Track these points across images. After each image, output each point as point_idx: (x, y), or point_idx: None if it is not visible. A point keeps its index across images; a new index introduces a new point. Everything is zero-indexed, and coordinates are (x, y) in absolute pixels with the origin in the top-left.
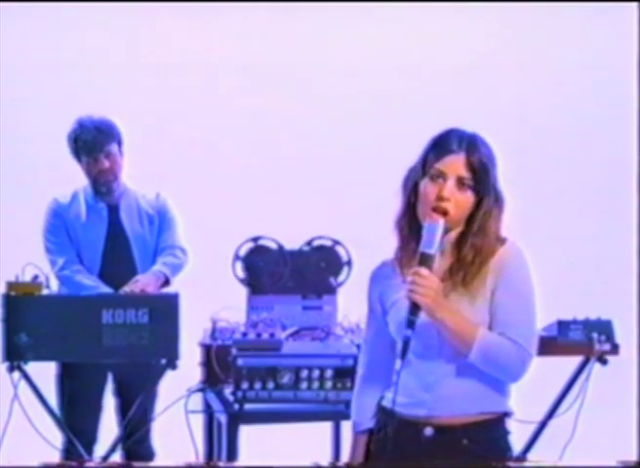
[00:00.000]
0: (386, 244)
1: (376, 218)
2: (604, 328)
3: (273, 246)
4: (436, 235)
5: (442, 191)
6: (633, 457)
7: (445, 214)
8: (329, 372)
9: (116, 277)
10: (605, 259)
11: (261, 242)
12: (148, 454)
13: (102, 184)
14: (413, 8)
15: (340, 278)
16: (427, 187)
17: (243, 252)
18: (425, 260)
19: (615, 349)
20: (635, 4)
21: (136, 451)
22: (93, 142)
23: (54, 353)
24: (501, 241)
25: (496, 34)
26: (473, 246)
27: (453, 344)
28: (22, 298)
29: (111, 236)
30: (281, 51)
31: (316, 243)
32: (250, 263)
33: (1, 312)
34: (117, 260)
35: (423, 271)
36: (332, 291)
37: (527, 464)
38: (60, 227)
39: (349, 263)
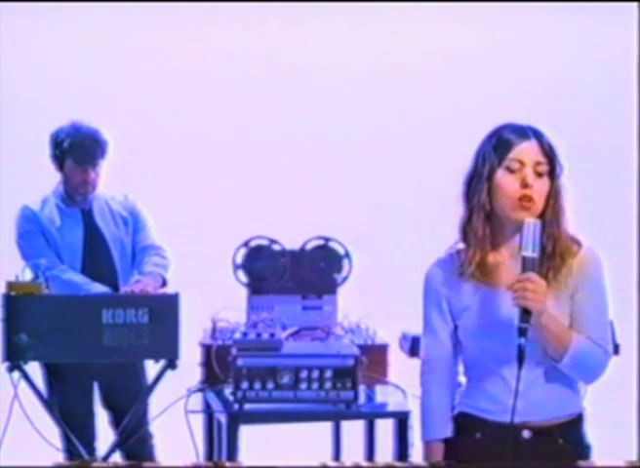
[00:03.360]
0: (388, 244)
1: (376, 218)
2: None
3: (273, 246)
4: (536, 235)
5: (526, 179)
6: (633, 457)
7: (531, 200)
8: (329, 372)
9: (97, 279)
10: (604, 260)
11: (261, 242)
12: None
13: (81, 193)
14: (417, 8)
15: (341, 278)
16: (506, 179)
17: (243, 252)
18: (530, 264)
19: (615, 349)
20: (635, 4)
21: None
22: (87, 153)
23: (54, 353)
24: (578, 243)
25: (496, 34)
26: (551, 236)
27: (543, 347)
28: (22, 298)
29: (89, 239)
30: (282, 50)
31: (316, 243)
32: (250, 263)
33: (1, 312)
34: (97, 262)
35: (534, 276)
36: (332, 291)
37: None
38: (35, 232)
39: (349, 263)
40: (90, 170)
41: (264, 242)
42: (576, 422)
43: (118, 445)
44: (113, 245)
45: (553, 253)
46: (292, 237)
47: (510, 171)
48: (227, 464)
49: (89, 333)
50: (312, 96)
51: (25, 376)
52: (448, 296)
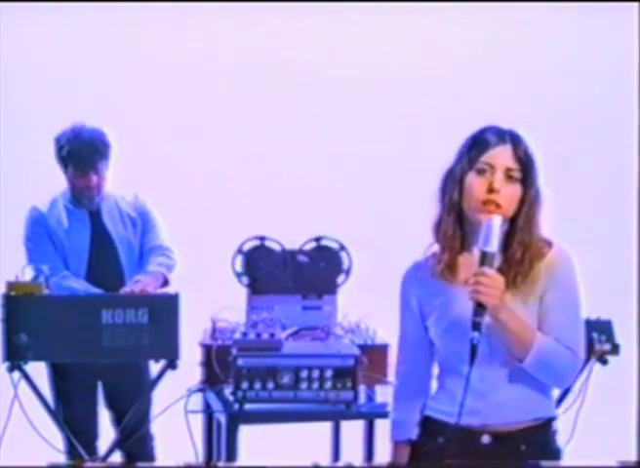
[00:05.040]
0: (387, 244)
1: (376, 218)
2: (604, 328)
3: (273, 246)
4: (495, 232)
5: (493, 183)
6: (633, 457)
7: (497, 206)
8: (329, 372)
9: (103, 280)
10: (605, 259)
11: (261, 242)
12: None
13: (86, 197)
14: (416, 8)
15: (341, 278)
16: (475, 182)
17: (243, 252)
18: (487, 259)
19: (615, 349)
20: (635, 4)
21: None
22: (86, 158)
23: (54, 353)
24: (549, 244)
25: (495, 34)
26: (521, 242)
27: (508, 347)
28: (22, 298)
29: (96, 240)
30: (283, 50)
31: (316, 243)
32: (250, 263)
33: (1, 312)
34: (104, 264)
35: (488, 271)
36: (332, 291)
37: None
38: (42, 235)
39: (349, 263)
40: (91, 175)
41: (264, 242)
42: (541, 427)
43: (118, 443)
44: (121, 245)
45: (522, 260)
46: (292, 237)
47: (480, 173)
48: (220, 464)
49: (89, 334)
50: (313, 95)
51: (25, 376)
52: (419, 298)
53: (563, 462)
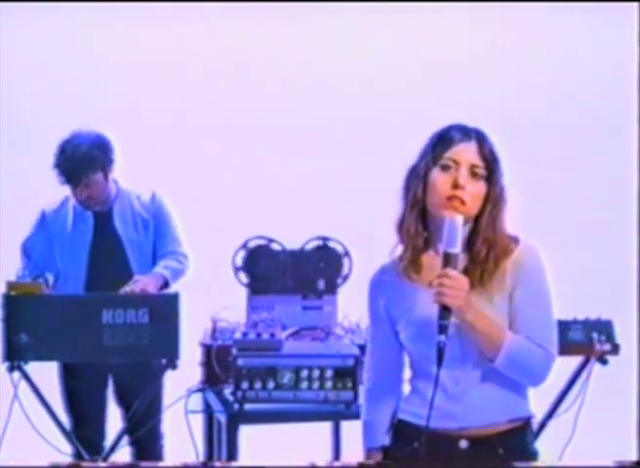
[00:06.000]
0: (387, 244)
1: (376, 219)
2: (604, 328)
3: (274, 246)
4: (458, 232)
5: (458, 179)
6: (633, 457)
7: (462, 203)
8: (329, 372)
9: (106, 284)
10: (605, 259)
11: (261, 242)
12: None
13: (85, 207)
14: (415, 8)
15: (341, 278)
16: (439, 178)
17: (243, 252)
18: (451, 260)
19: (615, 349)
20: (635, 4)
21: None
22: (70, 174)
23: (54, 353)
24: (515, 240)
25: (495, 34)
26: (486, 240)
27: (479, 348)
28: (22, 298)
29: (98, 243)
30: (284, 50)
31: (316, 243)
32: (250, 264)
33: (1, 312)
34: (107, 267)
35: (452, 272)
36: (332, 291)
37: (525, 465)
38: (39, 243)
39: (350, 263)
40: (80, 189)
41: (264, 242)
42: (518, 429)
43: (125, 434)
44: (130, 248)
45: (487, 258)
46: (292, 237)
47: (444, 169)
48: (217, 464)
49: (89, 333)
50: (313, 95)
51: (25, 376)
52: (387, 302)
53: (563, 462)
